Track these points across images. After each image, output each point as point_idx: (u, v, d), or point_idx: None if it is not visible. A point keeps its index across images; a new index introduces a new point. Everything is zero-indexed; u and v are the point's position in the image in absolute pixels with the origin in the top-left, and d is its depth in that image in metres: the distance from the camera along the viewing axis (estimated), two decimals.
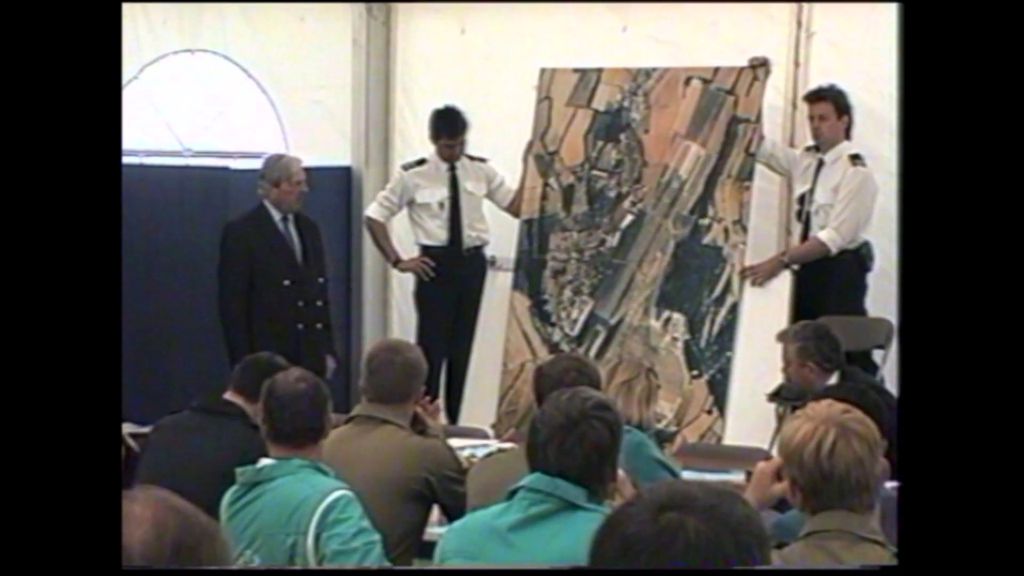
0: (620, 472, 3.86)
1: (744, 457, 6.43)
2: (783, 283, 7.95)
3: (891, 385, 6.82)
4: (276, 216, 7.92)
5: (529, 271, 8.48)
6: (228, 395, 5.44)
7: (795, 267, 7.95)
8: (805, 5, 8.24)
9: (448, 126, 8.50)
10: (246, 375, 5.39)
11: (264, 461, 4.51)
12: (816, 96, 7.95)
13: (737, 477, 5.84)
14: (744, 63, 8.03)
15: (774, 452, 5.13)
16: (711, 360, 7.93)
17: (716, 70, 8.11)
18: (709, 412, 7.88)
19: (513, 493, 3.77)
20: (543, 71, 8.55)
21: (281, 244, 7.92)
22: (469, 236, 8.63)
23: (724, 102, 8.06)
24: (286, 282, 7.88)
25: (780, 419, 7.43)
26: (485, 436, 7.11)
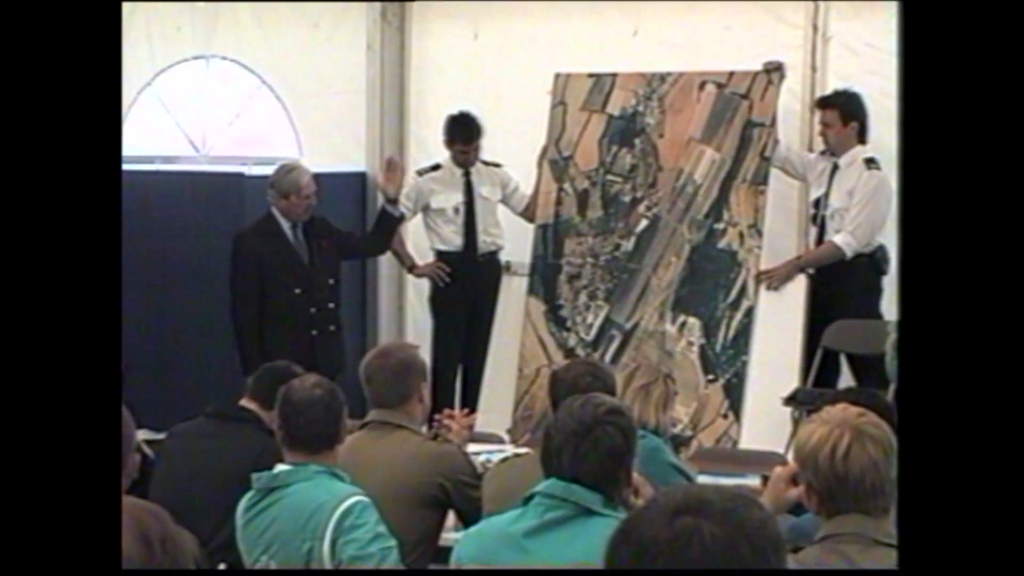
0: (637, 475, 3.86)
1: (760, 461, 6.43)
2: (798, 287, 7.94)
3: None
4: (285, 224, 7.91)
5: (544, 276, 8.48)
6: (244, 402, 5.46)
7: (810, 271, 7.94)
8: (821, 9, 8.22)
9: (463, 132, 8.50)
10: (262, 382, 5.40)
11: (280, 467, 4.52)
12: (822, 103, 7.95)
13: (753, 481, 5.84)
14: (759, 67, 8.03)
15: (790, 456, 5.12)
16: (726, 364, 7.93)
17: (731, 74, 8.10)
18: (725, 416, 7.87)
19: (528, 499, 3.77)
20: (557, 76, 8.55)
21: (290, 252, 7.90)
22: (484, 241, 8.63)
23: (739, 106, 8.05)
24: (297, 290, 7.86)
25: (796, 423, 7.43)
26: (501, 441, 7.12)
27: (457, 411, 5.90)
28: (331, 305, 8.03)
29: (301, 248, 7.94)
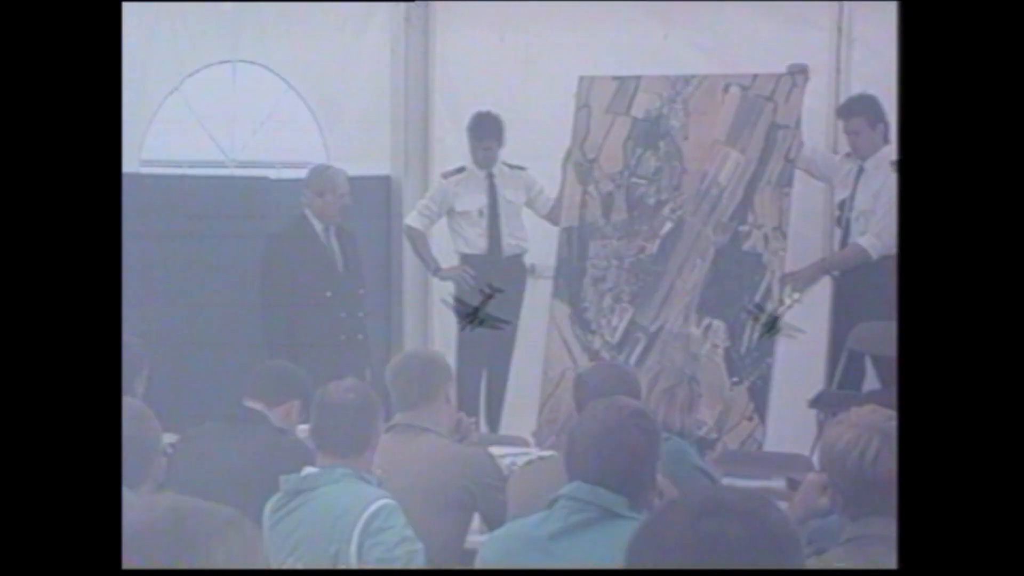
0: (662, 478, 3.86)
1: (785, 463, 6.43)
2: (823, 289, 7.93)
3: None
4: (318, 227, 7.93)
5: (569, 279, 8.47)
6: (248, 403, 5.44)
7: (835, 273, 7.93)
8: (846, 11, 8.21)
9: (473, 126, 8.54)
10: (262, 380, 5.43)
11: (308, 469, 4.52)
12: (846, 113, 7.93)
13: (778, 484, 5.83)
14: (783, 70, 8.02)
15: (815, 459, 5.12)
16: (751, 366, 7.91)
17: (755, 77, 8.09)
18: (750, 419, 7.85)
19: (553, 502, 3.77)
20: (582, 79, 8.54)
21: (323, 255, 7.93)
22: (508, 244, 8.64)
23: (763, 109, 8.04)
24: (328, 293, 7.88)
25: (821, 425, 7.42)
26: (526, 444, 7.12)
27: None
28: (360, 314, 8.05)
29: (333, 252, 7.96)
